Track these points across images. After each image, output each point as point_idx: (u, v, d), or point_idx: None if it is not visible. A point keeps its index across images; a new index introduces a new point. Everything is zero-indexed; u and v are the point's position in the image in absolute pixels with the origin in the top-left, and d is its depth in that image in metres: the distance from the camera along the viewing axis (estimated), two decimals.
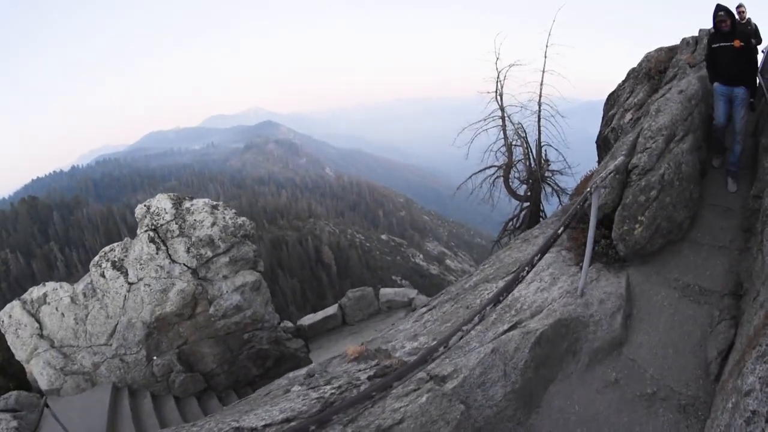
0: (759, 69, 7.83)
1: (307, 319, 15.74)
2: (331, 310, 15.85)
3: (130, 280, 10.22)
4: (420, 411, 3.96)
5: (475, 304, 6.19)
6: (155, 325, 10.15)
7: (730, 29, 7.20)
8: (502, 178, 16.91)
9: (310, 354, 12.54)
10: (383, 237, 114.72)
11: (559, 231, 4.39)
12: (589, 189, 4.87)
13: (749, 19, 9.44)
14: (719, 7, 7.15)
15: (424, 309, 7.17)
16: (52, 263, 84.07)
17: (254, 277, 11.15)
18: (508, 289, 4.19)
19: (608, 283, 5.82)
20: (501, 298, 4.12)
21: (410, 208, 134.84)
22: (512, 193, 17.02)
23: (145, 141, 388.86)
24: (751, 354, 3.36)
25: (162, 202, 10.78)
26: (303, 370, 6.21)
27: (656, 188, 6.05)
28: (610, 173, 5.45)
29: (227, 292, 10.68)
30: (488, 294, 6.24)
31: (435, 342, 4.74)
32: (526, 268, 4.25)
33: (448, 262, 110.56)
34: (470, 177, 17.29)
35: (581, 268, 5.60)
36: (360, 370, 5.02)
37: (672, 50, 9.97)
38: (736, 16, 7.79)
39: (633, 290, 5.83)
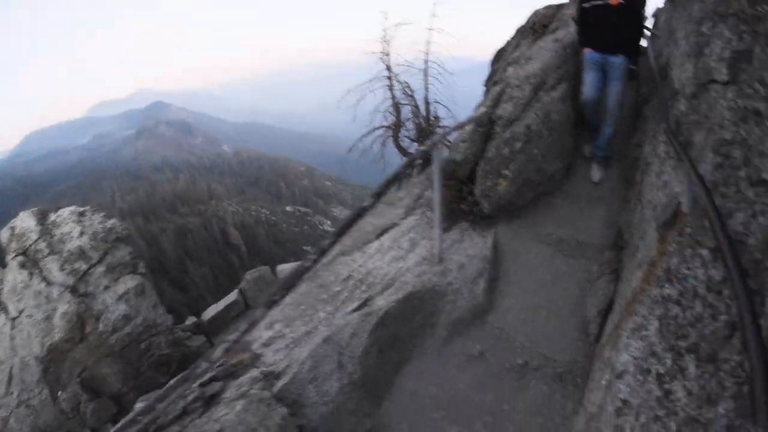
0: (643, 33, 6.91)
1: (211, 310, 14.96)
2: (233, 296, 15.07)
3: (11, 316, 9.31)
4: (237, 420, 3.42)
5: (329, 281, 5.55)
6: (49, 357, 9.15)
7: None
8: (392, 138, 16.59)
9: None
10: (288, 209, 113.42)
11: (366, 204, 3.75)
12: (422, 146, 4.33)
13: None
14: None
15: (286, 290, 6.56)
16: None
17: (136, 281, 10.25)
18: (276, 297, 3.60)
19: (473, 244, 5.33)
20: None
21: (312, 175, 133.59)
22: (403, 151, 16.74)
23: (25, 144, 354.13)
24: (628, 323, 2.98)
25: (26, 221, 9.83)
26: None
27: (521, 140, 5.58)
28: (457, 126, 4.94)
29: (111, 303, 9.75)
30: (345, 268, 5.63)
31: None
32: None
33: None
34: (360, 139, 16.89)
35: (447, 229, 5.09)
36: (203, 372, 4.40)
37: (561, 7, 9.69)
38: None
39: (501, 249, 5.36)
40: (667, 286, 2.73)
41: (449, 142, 5.80)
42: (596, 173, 6.18)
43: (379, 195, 3.75)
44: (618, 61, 5.88)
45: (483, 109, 5.87)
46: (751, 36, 2.87)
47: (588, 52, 6.15)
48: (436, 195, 4.64)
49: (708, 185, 2.86)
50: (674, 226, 3.23)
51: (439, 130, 5.38)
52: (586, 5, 6.02)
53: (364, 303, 4.67)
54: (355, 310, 4.57)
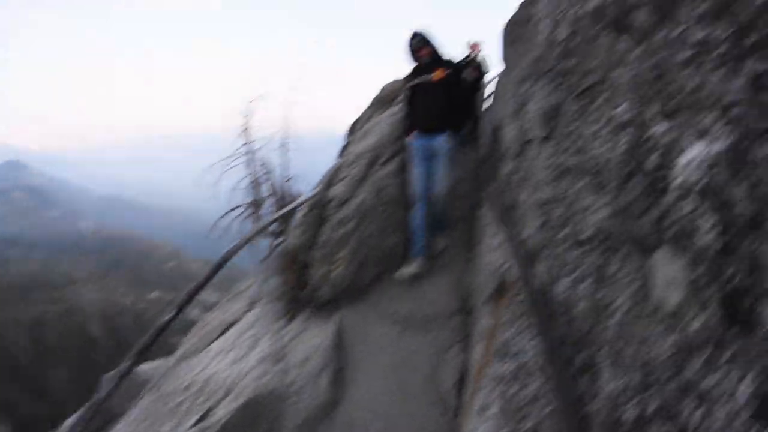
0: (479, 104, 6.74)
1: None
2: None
3: None
4: None
5: (171, 390, 5.08)
6: None
7: (432, 58, 5.72)
8: (252, 216, 16.17)
9: None
10: (154, 295, 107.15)
11: (167, 318, 3.42)
12: (224, 253, 4.18)
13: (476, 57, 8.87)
14: (414, 34, 5.71)
15: (137, 402, 5.90)
16: None
17: None
18: None
19: (316, 333, 5.08)
20: None
21: (179, 257, 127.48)
22: (263, 230, 16.27)
23: None
24: (476, 400, 2.87)
25: None
26: None
27: (355, 218, 5.49)
28: (284, 213, 4.79)
29: None
30: (187, 375, 5.15)
31: None
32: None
33: None
34: (220, 218, 16.30)
35: (290, 320, 4.79)
36: None
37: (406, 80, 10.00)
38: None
39: (346, 335, 5.12)
40: (505, 360, 2.63)
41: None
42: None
43: (181, 307, 3.39)
44: (442, 140, 5.63)
45: (312, 192, 5.74)
46: (565, 89, 2.87)
47: (413, 140, 5.84)
48: (266, 289, 4.39)
49: (534, 248, 2.79)
50: (505, 294, 3.14)
51: (266, 216, 5.25)
52: (411, 84, 5.88)
53: (205, 414, 4.31)
54: (194, 425, 4.17)
